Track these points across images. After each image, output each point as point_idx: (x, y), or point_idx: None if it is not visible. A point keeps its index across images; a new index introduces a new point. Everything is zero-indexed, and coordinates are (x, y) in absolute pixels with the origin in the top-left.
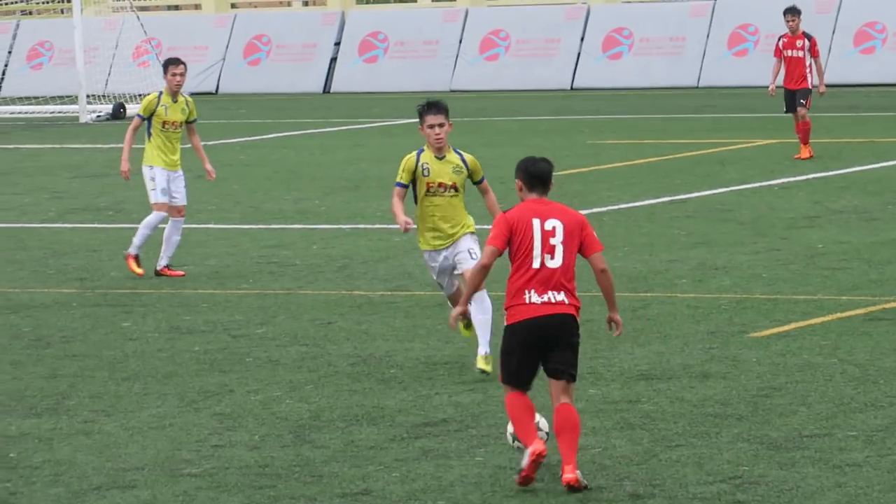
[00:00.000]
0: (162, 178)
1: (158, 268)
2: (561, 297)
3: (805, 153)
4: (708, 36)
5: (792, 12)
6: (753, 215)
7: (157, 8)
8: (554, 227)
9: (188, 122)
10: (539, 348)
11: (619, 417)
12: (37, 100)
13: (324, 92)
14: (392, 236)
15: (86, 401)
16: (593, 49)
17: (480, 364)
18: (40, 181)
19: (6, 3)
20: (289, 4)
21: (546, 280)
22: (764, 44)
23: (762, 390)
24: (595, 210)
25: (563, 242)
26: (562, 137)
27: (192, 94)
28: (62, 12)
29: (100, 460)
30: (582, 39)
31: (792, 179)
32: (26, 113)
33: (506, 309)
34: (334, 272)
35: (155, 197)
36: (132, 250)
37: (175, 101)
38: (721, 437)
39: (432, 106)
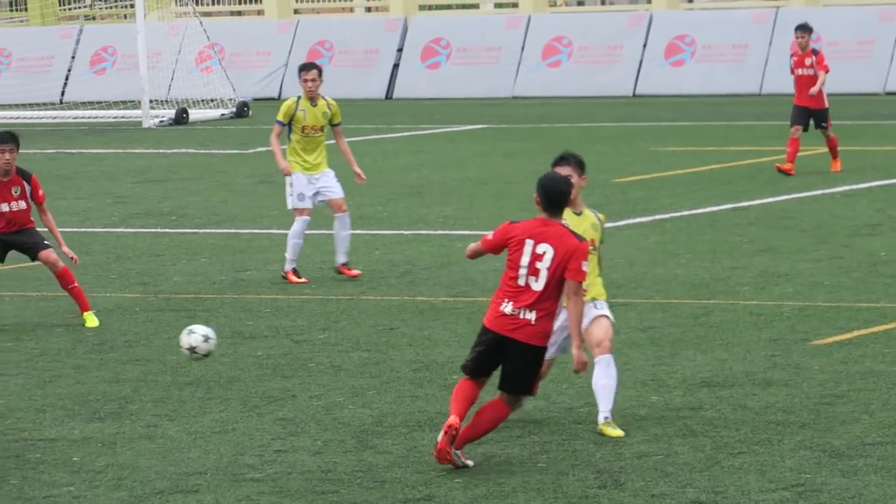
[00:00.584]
0: (299, 184)
1: (337, 265)
2: (531, 315)
3: (837, 166)
4: (770, 43)
5: (802, 29)
6: (815, 223)
7: (219, 13)
8: (544, 253)
9: (333, 125)
10: (498, 356)
11: (681, 424)
12: (100, 104)
13: (386, 98)
14: (454, 242)
15: (149, 405)
16: (656, 56)
17: (602, 429)
18: (103, 186)
19: (70, 9)
20: (351, 10)
21: (525, 297)
22: (827, 51)
23: (825, 398)
24: (657, 217)
25: (550, 269)
26: (624, 144)
27: (254, 100)
28: (125, 17)
29: (163, 465)
30: (644, 46)
31: (854, 187)
32: (89, 118)
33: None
34: (396, 278)
35: (291, 203)
36: (287, 266)
37: (314, 105)
38: (783, 444)
39: (563, 159)
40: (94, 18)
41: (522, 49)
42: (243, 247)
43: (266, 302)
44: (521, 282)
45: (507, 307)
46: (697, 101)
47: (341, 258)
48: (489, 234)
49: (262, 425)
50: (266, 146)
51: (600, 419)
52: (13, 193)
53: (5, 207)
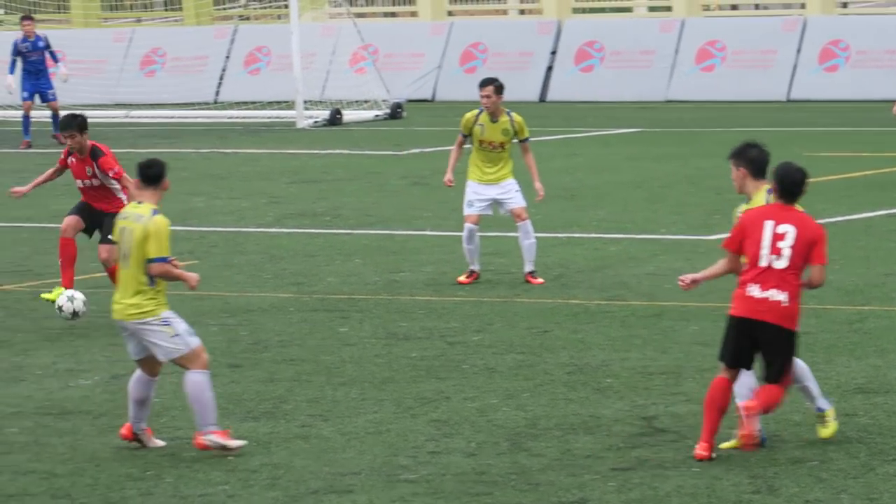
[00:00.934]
0: (470, 191)
1: (525, 273)
2: (782, 296)
3: None
4: None
5: None
6: None
7: (373, 15)
8: (786, 232)
9: (521, 141)
10: (752, 341)
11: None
12: (254, 104)
13: (540, 100)
14: (608, 246)
15: (303, 405)
16: (810, 61)
17: (820, 426)
18: (258, 186)
19: (224, 9)
20: (505, 13)
21: (771, 278)
22: None
23: None
24: None
25: (793, 247)
26: (778, 149)
27: (408, 101)
28: (279, 18)
29: (317, 465)
30: (798, 51)
31: None
32: (244, 118)
33: (732, 298)
34: (550, 280)
35: (464, 210)
36: (471, 267)
37: (494, 121)
38: None
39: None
40: (248, 18)
41: (676, 53)
42: (397, 248)
43: (420, 303)
44: (764, 262)
45: (755, 290)
46: (851, 106)
47: (528, 266)
48: (725, 241)
49: (415, 426)
50: (420, 147)
51: (819, 406)
52: (87, 172)
53: (81, 184)
